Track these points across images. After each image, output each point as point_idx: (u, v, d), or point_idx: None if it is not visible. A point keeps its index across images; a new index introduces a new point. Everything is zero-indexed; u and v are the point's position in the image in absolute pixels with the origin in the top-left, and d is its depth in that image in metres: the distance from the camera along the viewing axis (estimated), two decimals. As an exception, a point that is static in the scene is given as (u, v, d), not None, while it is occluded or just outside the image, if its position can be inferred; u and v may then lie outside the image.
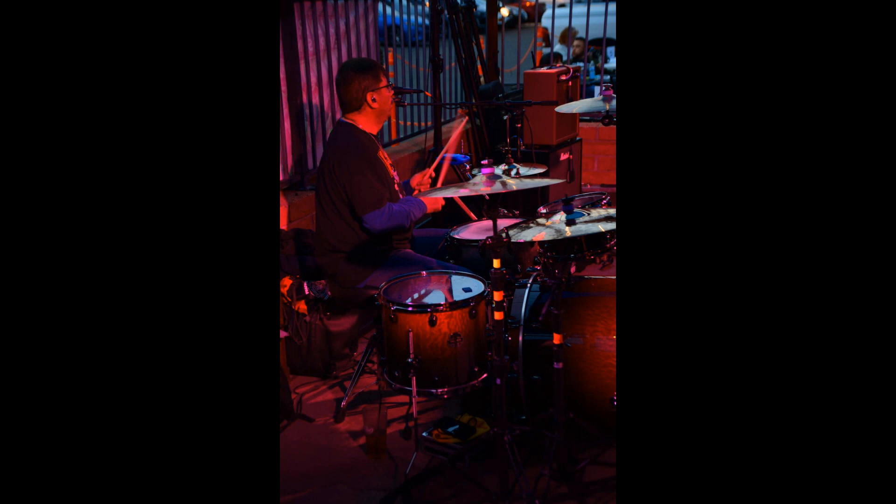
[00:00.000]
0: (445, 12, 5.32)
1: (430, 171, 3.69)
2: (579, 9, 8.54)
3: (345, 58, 4.72)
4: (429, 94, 4.50)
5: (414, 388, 2.80)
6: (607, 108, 3.14)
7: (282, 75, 4.18)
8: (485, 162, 2.69)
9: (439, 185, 3.60)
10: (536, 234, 2.63)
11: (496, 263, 2.62)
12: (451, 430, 3.11)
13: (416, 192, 3.63)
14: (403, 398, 3.37)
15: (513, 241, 2.59)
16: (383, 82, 3.39)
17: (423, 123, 6.09)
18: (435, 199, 3.49)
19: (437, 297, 2.97)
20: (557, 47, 8.98)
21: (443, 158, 3.67)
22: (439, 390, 2.85)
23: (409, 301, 2.89)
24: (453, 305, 2.83)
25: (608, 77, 7.42)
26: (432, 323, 2.81)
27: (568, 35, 7.70)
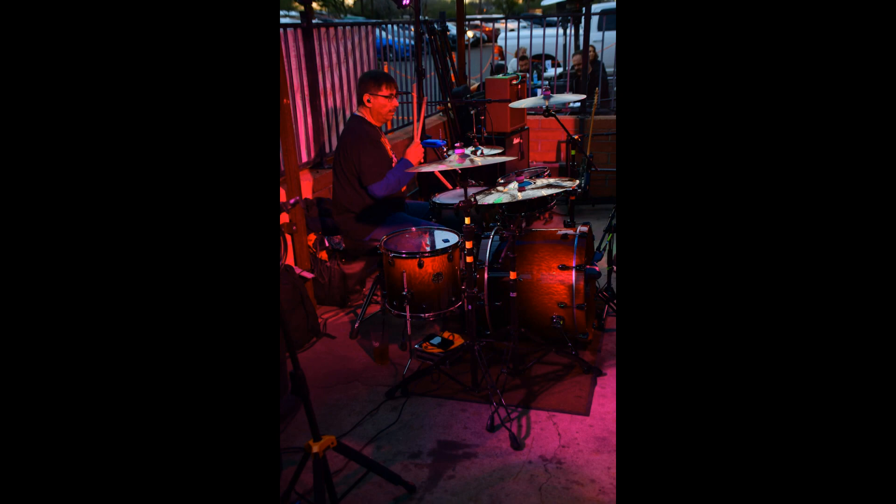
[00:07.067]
0: (426, 35, 5.21)
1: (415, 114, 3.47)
2: (525, 31, 8.39)
3: (352, 70, 4.58)
4: (414, 94, 4.39)
5: (408, 314, 2.80)
6: (546, 104, 3.08)
7: (305, 83, 4.06)
8: (457, 145, 2.65)
9: (420, 121, 3.36)
10: (496, 198, 2.60)
11: (467, 220, 2.59)
12: (435, 342, 3.11)
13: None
14: (400, 321, 3.35)
15: (479, 203, 2.56)
16: (382, 91, 3.25)
17: (410, 117, 5.97)
18: (417, 152, 3.24)
19: (423, 246, 2.94)
20: (512, 61, 8.89)
21: (420, 104, 3.42)
22: (426, 314, 2.84)
23: (403, 250, 2.86)
24: (436, 252, 2.81)
25: (546, 82, 7.31)
26: (420, 266, 2.78)
27: (513, 51, 7.57)
